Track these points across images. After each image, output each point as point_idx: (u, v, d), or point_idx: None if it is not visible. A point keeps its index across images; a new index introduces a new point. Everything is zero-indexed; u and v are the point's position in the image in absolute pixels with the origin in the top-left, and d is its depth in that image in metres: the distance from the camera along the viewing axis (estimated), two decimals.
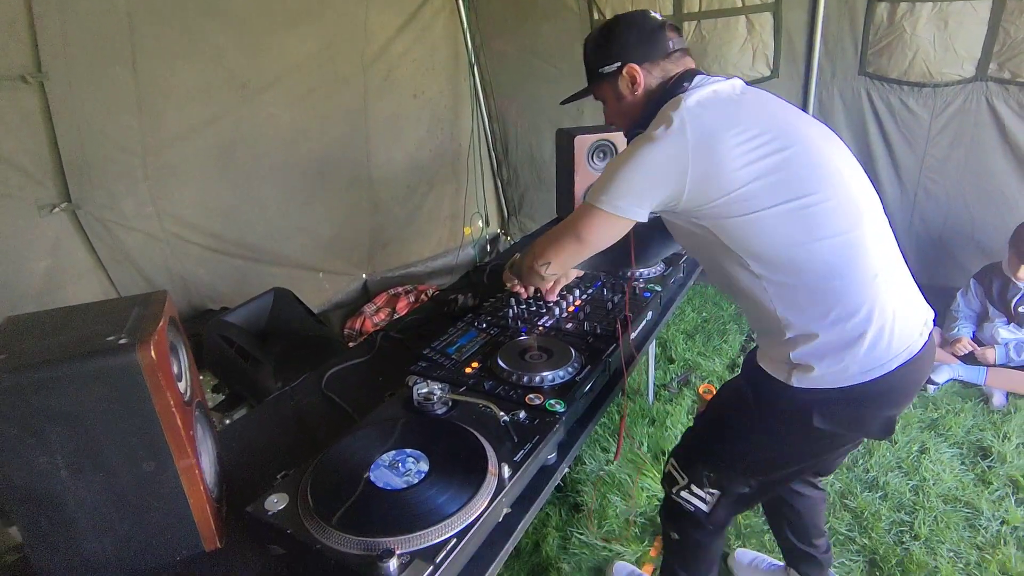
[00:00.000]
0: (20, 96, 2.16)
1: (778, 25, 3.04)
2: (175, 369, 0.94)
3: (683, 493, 1.39)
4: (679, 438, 1.52)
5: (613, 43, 1.28)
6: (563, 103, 1.57)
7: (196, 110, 2.72)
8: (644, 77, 1.26)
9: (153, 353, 0.84)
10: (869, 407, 1.16)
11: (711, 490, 1.35)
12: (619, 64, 1.26)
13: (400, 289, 3.78)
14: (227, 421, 2.31)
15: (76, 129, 2.33)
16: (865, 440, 2.30)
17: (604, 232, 1.20)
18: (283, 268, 3.25)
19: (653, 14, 1.29)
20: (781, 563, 1.81)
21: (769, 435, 1.25)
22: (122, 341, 0.83)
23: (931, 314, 1.23)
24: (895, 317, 1.12)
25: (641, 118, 1.25)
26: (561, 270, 1.36)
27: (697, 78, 1.21)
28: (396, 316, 3.53)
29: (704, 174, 1.07)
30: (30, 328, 0.89)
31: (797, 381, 1.14)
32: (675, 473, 1.40)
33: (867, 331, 1.10)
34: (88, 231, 2.48)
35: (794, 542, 1.64)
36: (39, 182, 2.30)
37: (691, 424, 1.53)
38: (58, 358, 0.80)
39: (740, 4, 3.07)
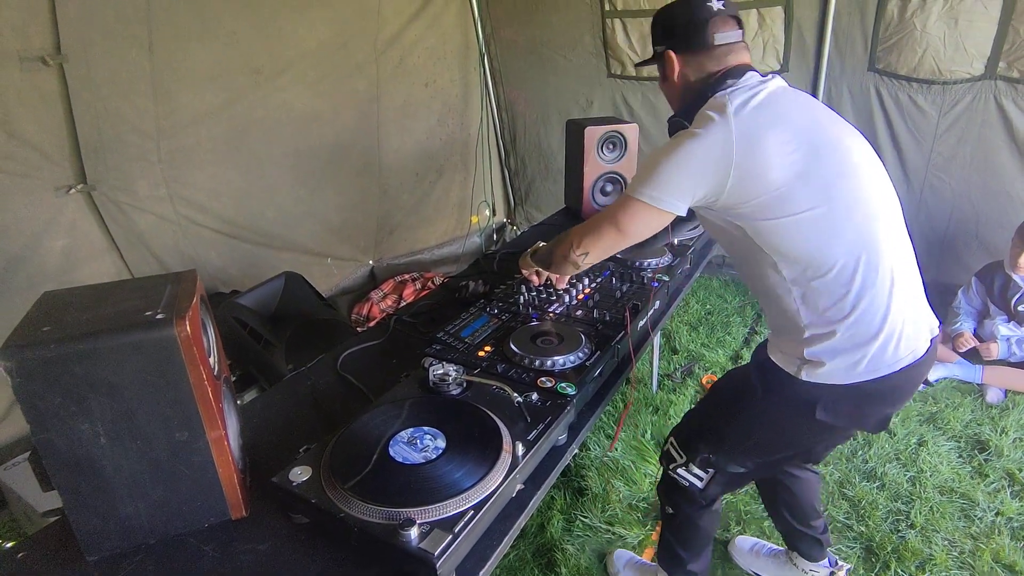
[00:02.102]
0: (40, 78, 2.19)
1: (789, 19, 3.06)
2: (205, 345, 0.98)
3: (680, 470, 1.46)
4: (681, 419, 1.57)
5: (662, 26, 1.32)
6: (637, 65, 1.59)
7: (210, 94, 2.75)
8: (680, 67, 1.28)
9: (188, 328, 0.88)
10: (870, 404, 1.22)
11: (707, 468, 1.41)
12: (663, 48, 1.30)
13: (407, 276, 3.82)
14: (238, 403, 2.36)
15: (93, 111, 2.36)
16: (864, 432, 2.35)
17: (644, 224, 1.23)
18: (292, 253, 3.29)
19: (709, 4, 1.25)
20: (781, 547, 1.86)
21: (772, 422, 1.30)
22: (159, 316, 0.87)
23: (936, 322, 1.29)
24: (905, 323, 1.17)
25: (681, 105, 1.29)
26: (598, 260, 1.38)
27: (747, 75, 1.22)
28: (403, 303, 3.57)
29: (746, 173, 1.10)
30: (68, 303, 0.93)
31: (806, 375, 1.19)
32: (673, 451, 1.47)
33: (880, 334, 1.15)
34: (103, 212, 2.52)
35: (793, 524, 1.70)
36: (57, 163, 2.33)
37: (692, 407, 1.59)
38: (100, 330, 0.84)
39: None
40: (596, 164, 2.44)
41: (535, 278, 1.62)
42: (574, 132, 2.49)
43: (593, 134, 2.40)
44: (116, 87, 2.42)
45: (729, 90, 1.19)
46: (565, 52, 3.72)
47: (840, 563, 1.78)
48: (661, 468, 1.55)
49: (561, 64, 3.77)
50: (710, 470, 1.41)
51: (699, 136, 1.12)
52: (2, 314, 2.16)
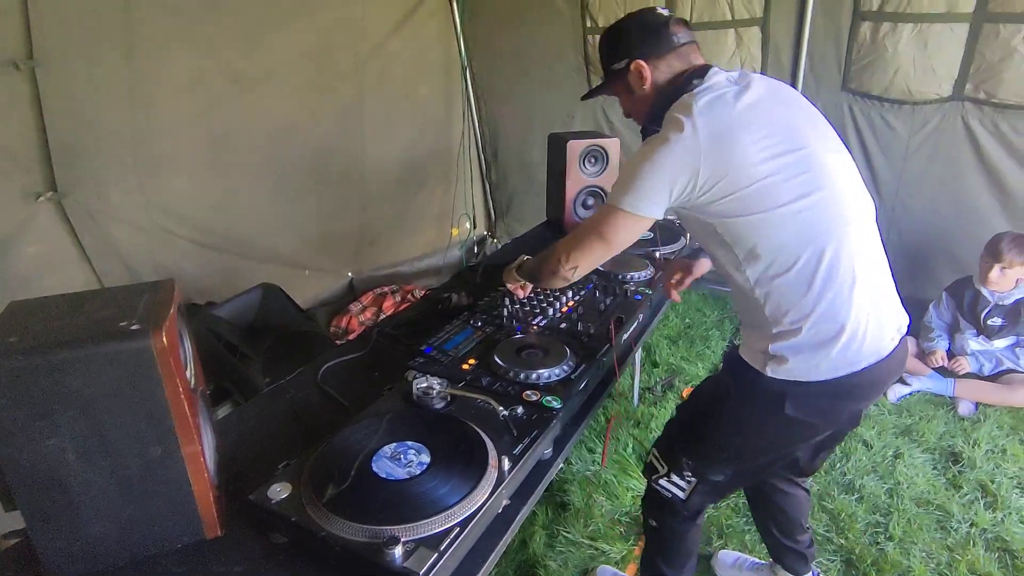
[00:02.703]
0: (10, 82, 2.13)
1: (766, 39, 3.13)
2: (182, 356, 0.95)
3: (662, 481, 1.45)
4: (660, 417, 1.57)
5: (621, 41, 1.33)
6: (583, 99, 1.60)
7: (189, 101, 2.71)
8: (651, 72, 1.30)
9: (165, 339, 0.84)
10: (838, 399, 1.24)
11: (689, 477, 1.41)
12: (627, 60, 1.31)
13: (387, 289, 3.78)
14: (213, 417, 2.29)
15: (66, 116, 2.30)
16: (842, 444, 2.38)
17: (628, 232, 1.24)
18: (270, 264, 3.23)
19: (660, 10, 1.32)
20: (763, 561, 1.86)
21: (746, 422, 1.31)
22: (135, 327, 0.84)
23: (906, 320, 1.30)
24: (868, 323, 1.19)
25: (654, 112, 1.30)
26: (586, 272, 1.38)
27: (710, 73, 1.24)
28: (383, 315, 3.53)
29: (715, 172, 1.12)
30: (38, 312, 0.89)
31: (771, 371, 1.21)
32: (656, 462, 1.47)
33: (841, 335, 1.16)
34: (73, 220, 2.45)
35: (779, 538, 1.70)
36: (26, 169, 2.27)
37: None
38: (71, 340, 0.81)
39: (729, 18, 3.15)
40: (578, 177, 2.45)
41: (520, 292, 1.61)
42: (556, 146, 2.50)
43: (575, 148, 2.41)
44: (91, 93, 2.37)
45: (695, 90, 1.21)
46: (547, 67, 3.75)
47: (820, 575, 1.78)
48: (645, 482, 1.54)
49: (543, 78, 3.80)
50: (692, 479, 1.40)
51: (669, 140, 1.14)
52: None
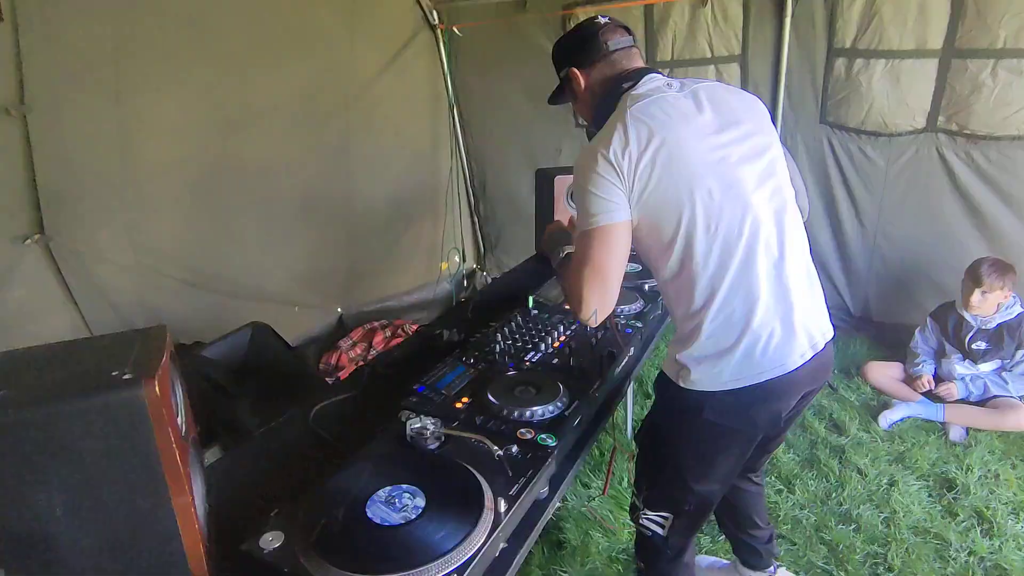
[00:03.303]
0: (1, 128, 2.14)
1: (745, 75, 3.23)
2: (174, 404, 0.94)
3: (643, 519, 1.46)
4: None
5: (559, 51, 1.44)
6: (549, 102, 1.61)
7: (178, 143, 2.73)
8: (585, 80, 1.38)
9: (157, 388, 0.84)
10: (751, 406, 1.26)
11: (663, 513, 1.43)
12: (565, 69, 1.40)
13: (376, 324, 3.76)
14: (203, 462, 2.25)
15: (55, 160, 2.31)
16: (837, 473, 2.38)
17: (610, 246, 1.24)
18: (258, 302, 3.21)
19: (597, 19, 1.39)
20: (727, 561, 1.94)
21: (678, 436, 1.36)
22: (126, 376, 0.83)
23: (825, 335, 1.32)
24: (772, 337, 1.21)
25: (594, 114, 1.37)
26: (608, 307, 1.30)
27: (647, 78, 1.30)
28: (373, 351, 3.51)
29: (638, 171, 1.18)
30: (28, 363, 0.88)
31: (683, 382, 1.28)
32: (635, 499, 1.48)
33: (739, 345, 1.21)
34: (60, 263, 2.43)
35: (734, 531, 1.78)
36: (14, 213, 2.26)
37: None
38: (62, 393, 0.80)
39: (709, 55, 3.25)
40: (566, 212, 2.48)
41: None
42: (543, 181, 2.54)
43: (562, 183, 2.45)
44: (80, 136, 2.38)
45: (627, 93, 1.27)
46: (533, 103, 3.83)
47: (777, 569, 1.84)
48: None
49: (529, 114, 3.87)
50: (666, 515, 1.42)
51: (597, 147, 1.21)
52: None
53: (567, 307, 1.43)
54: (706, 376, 1.24)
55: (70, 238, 2.43)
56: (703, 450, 1.34)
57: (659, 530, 1.44)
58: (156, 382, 0.84)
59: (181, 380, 1.05)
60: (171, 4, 2.57)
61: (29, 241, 2.31)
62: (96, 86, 2.39)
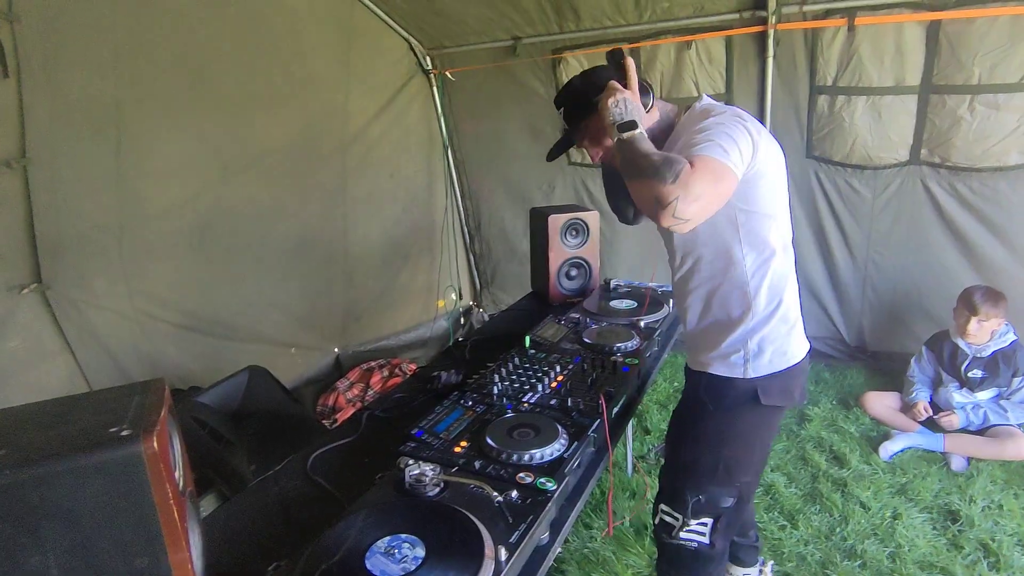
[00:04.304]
0: (2, 180, 2.17)
1: None
2: (171, 459, 0.94)
3: (682, 534, 1.46)
4: (657, 486, 1.59)
5: (595, 76, 1.46)
6: (553, 156, 1.65)
7: (176, 189, 2.77)
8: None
9: (156, 444, 0.84)
10: (792, 379, 1.41)
11: (704, 519, 1.44)
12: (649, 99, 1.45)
13: (374, 364, 3.75)
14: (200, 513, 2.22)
15: (54, 210, 2.34)
16: (840, 507, 2.36)
17: (718, 180, 1.15)
18: (255, 344, 3.21)
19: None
20: None
21: (732, 428, 1.42)
22: (124, 432, 0.83)
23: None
24: (800, 315, 1.44)
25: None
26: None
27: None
28: (370, 391, 3.49)
29: (760, 154, 1.29)
30: (26, 421, 0.88)
31: (753, 370, 1.37)
32: (668, 517, 1.48)
33: (798, 322, 1.42)
34: (57, 311, 2.44)
35: (737, 540, 1.80)
36: (11, 263, 2.28)
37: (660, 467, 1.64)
38: (60, 452, 0.80)
39: (695, 93, 3.34)
40: (560, 250, 2.51)
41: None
42: (538, 219, 2.58)
43: (556, 222, 2.48)
44: (79, 186, 2.42)
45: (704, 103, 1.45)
46: (527, 143, 3.91)
47: (765, 561, 1.90)
48: (656, 545, 1.56)
49: (523, 153, 3.95)
50: (708, 520, 1.43)
51: (739, 117, 1.29)
52: None
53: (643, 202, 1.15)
54: (776, 355, 1.37)
55: (67, 286, 2.44)
56: (751, 439, 1.43)
57: (702, 539, 1.45)
58: (155, 438, 0.84)
59: (179, 432, 1.05)
60: (171, 54, 2.64)
61: (26, 290, 2.32)
62: (96, 136, 2.44)
